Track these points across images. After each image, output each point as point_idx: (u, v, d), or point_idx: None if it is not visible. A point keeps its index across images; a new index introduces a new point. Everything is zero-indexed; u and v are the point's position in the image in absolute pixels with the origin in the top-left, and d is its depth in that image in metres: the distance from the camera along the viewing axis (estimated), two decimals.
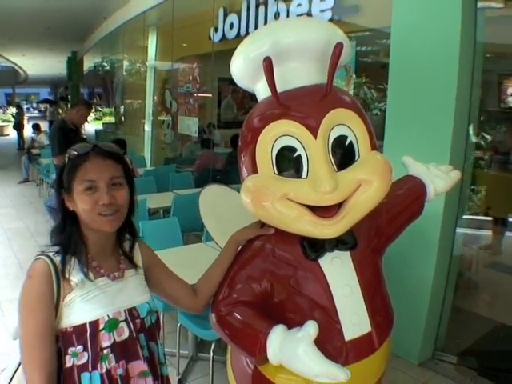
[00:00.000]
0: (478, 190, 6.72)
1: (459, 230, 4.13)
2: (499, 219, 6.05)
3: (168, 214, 5.67)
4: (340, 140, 1.66)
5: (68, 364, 1.52)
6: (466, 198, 4.06)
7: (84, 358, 1.52)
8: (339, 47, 1.60)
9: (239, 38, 6.73)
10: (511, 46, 6.47)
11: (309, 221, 1.62)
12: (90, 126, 21.23)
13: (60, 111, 27.09)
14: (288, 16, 5.55)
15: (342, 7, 5.04)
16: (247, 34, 6.47)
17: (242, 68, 1.81)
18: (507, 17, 4.18)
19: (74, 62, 21.06)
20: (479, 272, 5.69)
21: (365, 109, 5.62)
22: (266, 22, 6.03)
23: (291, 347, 1.56)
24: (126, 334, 1.60)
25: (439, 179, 2.18)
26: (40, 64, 26.30)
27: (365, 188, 1.63)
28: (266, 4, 6.01)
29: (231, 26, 6.89)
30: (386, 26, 4.11)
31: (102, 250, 1.66)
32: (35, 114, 42.93)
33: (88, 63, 19.94)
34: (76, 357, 1.51)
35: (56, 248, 1.58)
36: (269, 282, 1.79)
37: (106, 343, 1.54)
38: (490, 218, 6.30)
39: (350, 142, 1.67)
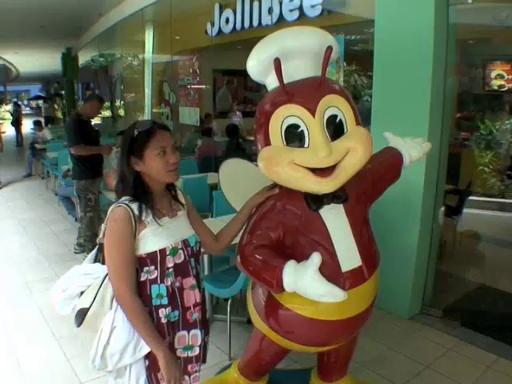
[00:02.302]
0: None
1: None
2: None
3: None
4: (332, 118, 2.16)
5: (142, 278, 2.14)
6: (444, 172, 4.58)
7: (154, 274, 2.13)
8: (330, 50, 2.12)
9: (235, 32, 7.22)
10: (496, 32, 6.96)
11: (311, 180, 2.12)
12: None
13: (56, 107, 27.28)
14: (281, 10, 6.02)
15: (331, 2, 5.52)
16: (242, 28, 6.96)
17: (256, 66, 2.29)
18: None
19: (69, 58, 21.10)
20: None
21: (355, 95, 6.11)
22: (260, 17, 6.49)
23: (301, 275, 2.07)
24: (182, 258, 2.21)
25: (413, 149, 2.69)
26: (33, 61, 26.25)
27: (352, 154, 2.14)
28: None
29: (227, 20, 7.33)
30: (371, 18, 4.55)
31: (161, 197, 2.24)
32: (27, 111, 42.79)
33: (83, 58, 20.02)
34: (149, 273, 2.13)
35: (126, 198, 2.14)
36: (282, 230, 2.32)
37: (170, 264, 2.15)
38: None
39: (340, 119, 2.18)
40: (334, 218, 2.30)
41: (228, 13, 7.30)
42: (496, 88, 8.90)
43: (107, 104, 16.12)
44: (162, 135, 2.15)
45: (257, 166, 2.29)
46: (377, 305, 4.45)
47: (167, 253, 2.15)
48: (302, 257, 2.17)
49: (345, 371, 3.00)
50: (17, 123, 20.47)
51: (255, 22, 6.66)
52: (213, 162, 7.97)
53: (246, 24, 6.87)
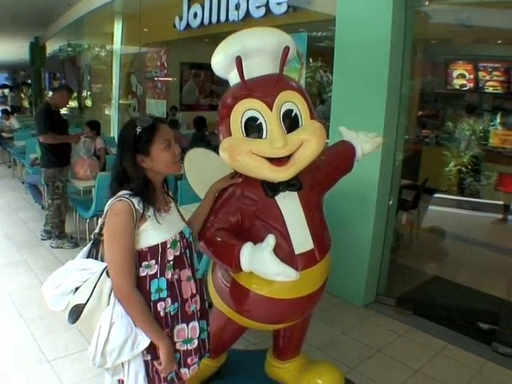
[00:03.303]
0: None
1: None
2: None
3: None
4: (288, 112, 2.36)
5: (142, 274, 2.14)
6: (399, 168, 4.82)
7: (154, 269, 2.15)
8: (287, 50, 2.32)
9: (203, 26, 7.39)
10: (458, 33, 7.19)
11: (268, 168, 2.32)
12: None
13: (23, 96, 26.92)
14: (248, 7, 6.19)
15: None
16: (210, 23, 7.12)
17: (220, 63, 2.48)
18: None
19: (37, 48, 20.86)
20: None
21: (321, 91, 6.30)
22: (227, 13, 6.67)
23: (257, 255, 2.26)
24: (179, 250, 2.23)
25: (365, 143, 2.92)
26: (0, 50, 25.87)
27: (306, 145, 2.34)
28: None
29: (195, 15, 7.49)
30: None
31: (159, 191, 2.28)
32: None
33: (51, 48, 19.83)
34: (149, 268, 2.14)
35: (126, 192, 2.13)
36: (240, 215, 2.51)
37: (170, 257, 2.18)
38: None
39: (295, 113, 2.38)
40: (289, 205, 2.50)
41: (196, 7, 7.44)
42: (457, 87, 9.12)
43: (74, 95, 16.00)
44: (164, 128, 2.19)
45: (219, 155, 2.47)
46: (333, 293, 4.75)
47: (168, 246, 2.18)
48: (258, 239, 2.35)
49: (298, 351, 3.20)
50: None
51: (223, 18, 6.81)
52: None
53: (214, 19, 7.03)
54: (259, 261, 2.26)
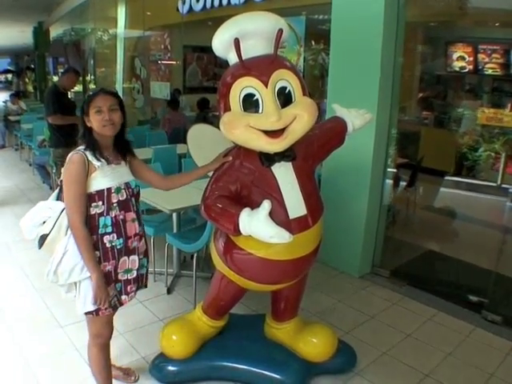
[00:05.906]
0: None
1: None
2: None
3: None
4: (282, 89, 2.59)
5: (92, 212, 2.64)
6: (393, 143, 5.01)
7: (102, 209, 2.65)
8: (280, 32, 2.56)
9: (205, 10, 7.57)
10: (457, 15, 7.31)
11: (263, 140, 2.55)
12: None
13: (27, 80, 27.04)
14: None
15: None
16: (212, 6, 7.31)
17: (220, 44, 2.68)
18: None
19: (41, 32, 20.95)
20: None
21: (323, 73, 6.43)
22: None
23: (254, 219, 2.49)
24: (125, 196, 2.73)
25: (356, 118, 3.15)
26: (3, 34, 25.85)
27: (299, 119, 2.57)
28: None
29: None
30: None
31: (107, 148, 2.71)
32: None
33: (54, 33, 19.90)
34: (97, 208, 2.65)
35: (82, 147, 2.62)
36: (239, 184, 2.75)
37: (114, 200, 2.68)
38: None
39: (289, 90, 2.61)
40: (284, 174, 2.75)
41: None
42: (457, 69, 9.21)
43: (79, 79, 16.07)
44: (101, 97, 2.62)
45: (220, 130, 2.71)
46: (331, 264, 4.98)
47: (112, 191, 2.67)
48: (255, 205, 2.58)
49: (295, 313, 3.45)
50: None
51: (225, 1, 6.99)
52: (182, 134, 8.26)
53: (216, 3, 7.20)
54: (256, 224, 2.48)
